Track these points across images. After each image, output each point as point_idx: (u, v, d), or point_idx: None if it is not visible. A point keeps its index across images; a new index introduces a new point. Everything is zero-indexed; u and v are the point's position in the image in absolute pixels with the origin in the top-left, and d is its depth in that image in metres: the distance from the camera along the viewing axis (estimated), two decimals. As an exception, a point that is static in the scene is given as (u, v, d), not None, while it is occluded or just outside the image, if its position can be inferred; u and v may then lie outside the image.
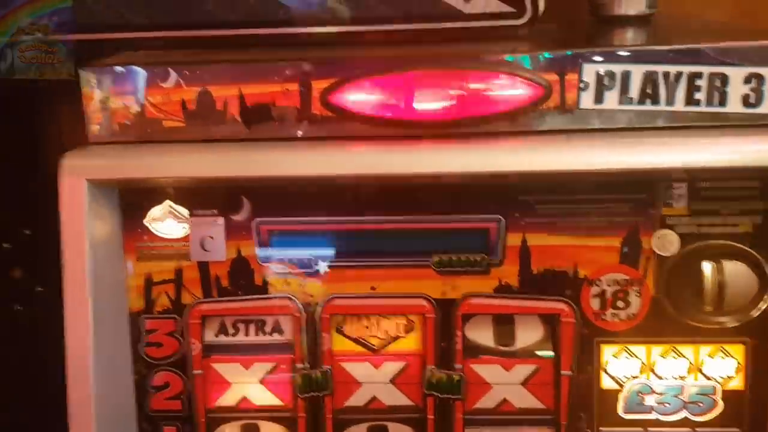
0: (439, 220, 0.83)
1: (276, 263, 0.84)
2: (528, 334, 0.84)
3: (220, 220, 0.84)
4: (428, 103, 0.80)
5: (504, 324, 0.84)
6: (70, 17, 0.94)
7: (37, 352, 1.11)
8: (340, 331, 0.86)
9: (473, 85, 0.79)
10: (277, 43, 0.90)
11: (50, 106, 1.18)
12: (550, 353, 0.84)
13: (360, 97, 0.81)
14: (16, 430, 1.14)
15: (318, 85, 0.80)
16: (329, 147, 0.80)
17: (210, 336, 0.86)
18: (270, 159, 0.80)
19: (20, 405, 1.14)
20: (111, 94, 0.82)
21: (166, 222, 0.85)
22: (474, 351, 0.84)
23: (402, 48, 0.87)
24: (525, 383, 0.84)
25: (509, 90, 0.80)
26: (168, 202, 0.84)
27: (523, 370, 0.84)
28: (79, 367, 0.81)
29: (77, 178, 0.80)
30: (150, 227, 0.84)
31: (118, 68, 0.81)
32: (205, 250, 0.85)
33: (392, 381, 0.86)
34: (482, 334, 0.84)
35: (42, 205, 1.02)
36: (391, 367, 0.85)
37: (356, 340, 0.86)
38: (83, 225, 0.80)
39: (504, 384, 0.84)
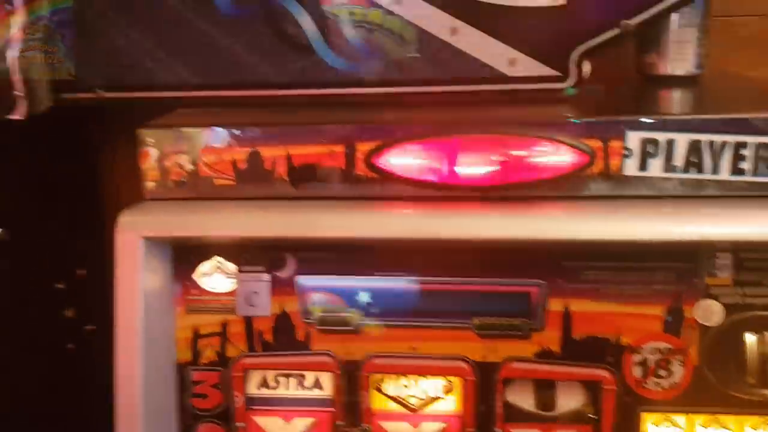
0: (481, 283, 0.83)
1: (318, 320, 0.86)
2: (569, 400, 0.84)
3: (266, 277, 0.86)
4: (471, 167, 0.81)
5: (545, 389, 0.84)
6: (70, 17, 0.93)
7: (87, 392, 1.14)
8: (379, 390, 0.87)
9: (516, 152, 0.80)
10: (324, 103, 0.92)
11: (105, 153, 1.22)
12: (592, 419, 0.83)
13: (403, 161, 0.82)
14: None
15: (362, 147, 0.82)
16: (373, 209, 0.82)
17: (252, 388, 0.88)
18: (315, 220, 0.82)
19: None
20: (167, 153, 0.85)
21: (214, 277, 0.87)
22: (514, 415, 0.84)
23: (446, 110, 0.89)
24: (565, 449, 0.84)
25: (552, 156, 0.80)
26: (217, 258, 0.87)
27: (563, 436, 0.84)
28: (129, 416, 0.84)
29: (133, 235, 0.83)
30: (198, 282, 0.87)
31: (175, 129, 0.85)
32: (251, 306, 0.87)
33: (430, 442, 0.86)
34: (522, 399, 0.84)
35: (94, 245, 1.05)
36: (430, 428, 0.86)
37: (395, 400, 0.86)
38: (137, 279, 0.83)
39: (543, 450, 0.84)
